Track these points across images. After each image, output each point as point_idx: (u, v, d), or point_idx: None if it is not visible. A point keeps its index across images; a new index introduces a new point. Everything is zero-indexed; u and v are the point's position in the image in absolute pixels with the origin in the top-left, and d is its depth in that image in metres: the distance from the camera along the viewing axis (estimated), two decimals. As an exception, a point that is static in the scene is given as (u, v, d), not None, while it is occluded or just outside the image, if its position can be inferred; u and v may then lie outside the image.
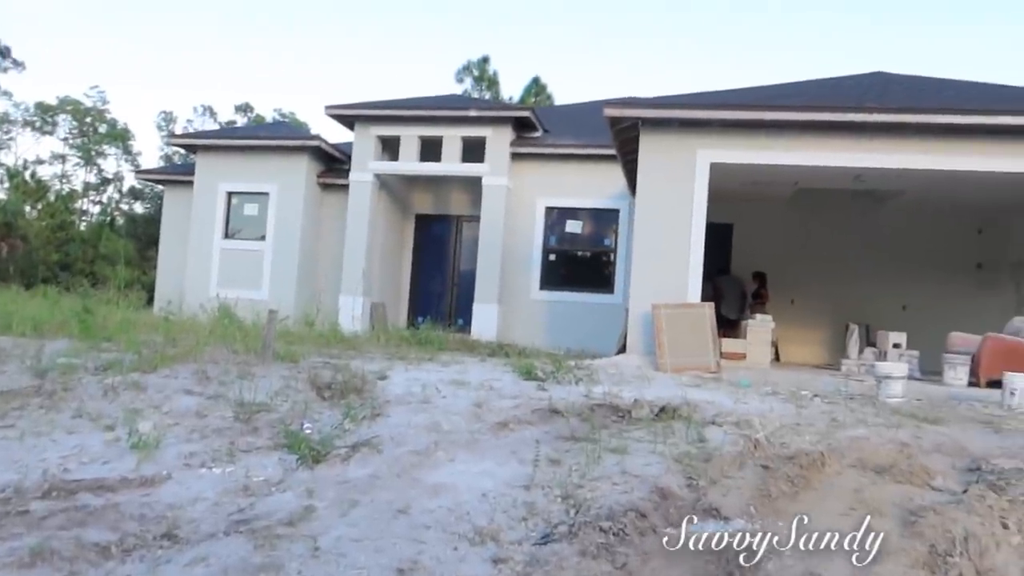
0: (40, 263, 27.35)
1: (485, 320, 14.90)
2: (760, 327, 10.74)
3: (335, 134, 19.68)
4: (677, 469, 4.45)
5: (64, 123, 36.91)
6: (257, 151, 16.44)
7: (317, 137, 16.95)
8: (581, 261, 15.79)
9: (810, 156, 10.05)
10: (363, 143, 15.59)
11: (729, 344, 10.46)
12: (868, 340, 12.15)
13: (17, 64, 35.30)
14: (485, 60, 36.45)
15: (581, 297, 15.05)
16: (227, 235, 16.44)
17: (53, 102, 36.03)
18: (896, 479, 4.85)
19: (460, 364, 8.34)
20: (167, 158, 34.94)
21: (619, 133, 10.80)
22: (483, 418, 5.53)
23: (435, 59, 59.16)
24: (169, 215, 17.87)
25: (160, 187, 21.46)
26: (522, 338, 13.90)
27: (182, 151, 21.33)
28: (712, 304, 9.62)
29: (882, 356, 10.74)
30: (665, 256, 10.02)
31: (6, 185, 33.34)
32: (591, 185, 15.02)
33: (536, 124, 15.61)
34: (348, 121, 15.82)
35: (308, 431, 5.12)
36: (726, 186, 10.99)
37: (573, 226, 15.56)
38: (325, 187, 16.54)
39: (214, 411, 5.39)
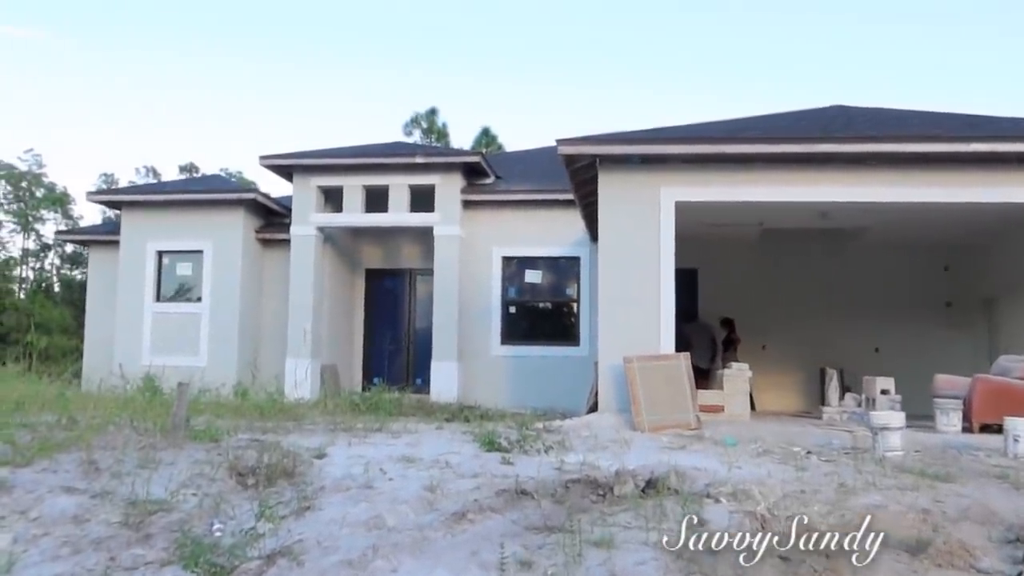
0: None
1: (444, 379, 13.99)
2: (737, 376, 9.98)
3: (278, 188, 18.74)
4: (679, 568, 3.57)
5: (-3, 188, 35.22)
6: (189, 206, 15.38)
7: (254, 189, 15.99)
8: (543, 313, 15.06)
9: (777, 191, 9.52)
10: (303, 194, 14.71)
11: (706, 396, 9.65)
12: (843, 385, 11.50)
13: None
14: (433, 112, 35.82)
15: (545, 351, 14.25)
16: (159, 298, 15.28)
17: (-17, 167, 34.39)
18: (936, 561, 4.10)
19: (413, 434, 7.40)
20: (108, 220, 33.42)
21: (576, 173, 10.12)
22: (437, 506, 4.58)
23: (383, 114, 58.73)
24: (95, 279, 16.62)
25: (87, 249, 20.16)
26: (485, 397, 13.02)
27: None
28: (688, 355, 8.84)
29: (867, 403, 10.06)
30: (634, 304, 9.26)
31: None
32: (549, 232, 14.35)
33: (487, 170, 14.95)
34: (286, 172, 14.96)
35: (218, 534, 4.13)
36: (690, 229, 10.37)
37: (532, 276, 14.84)
38: (265, 243, 15.56)
39: (98, 514, 4.33)
